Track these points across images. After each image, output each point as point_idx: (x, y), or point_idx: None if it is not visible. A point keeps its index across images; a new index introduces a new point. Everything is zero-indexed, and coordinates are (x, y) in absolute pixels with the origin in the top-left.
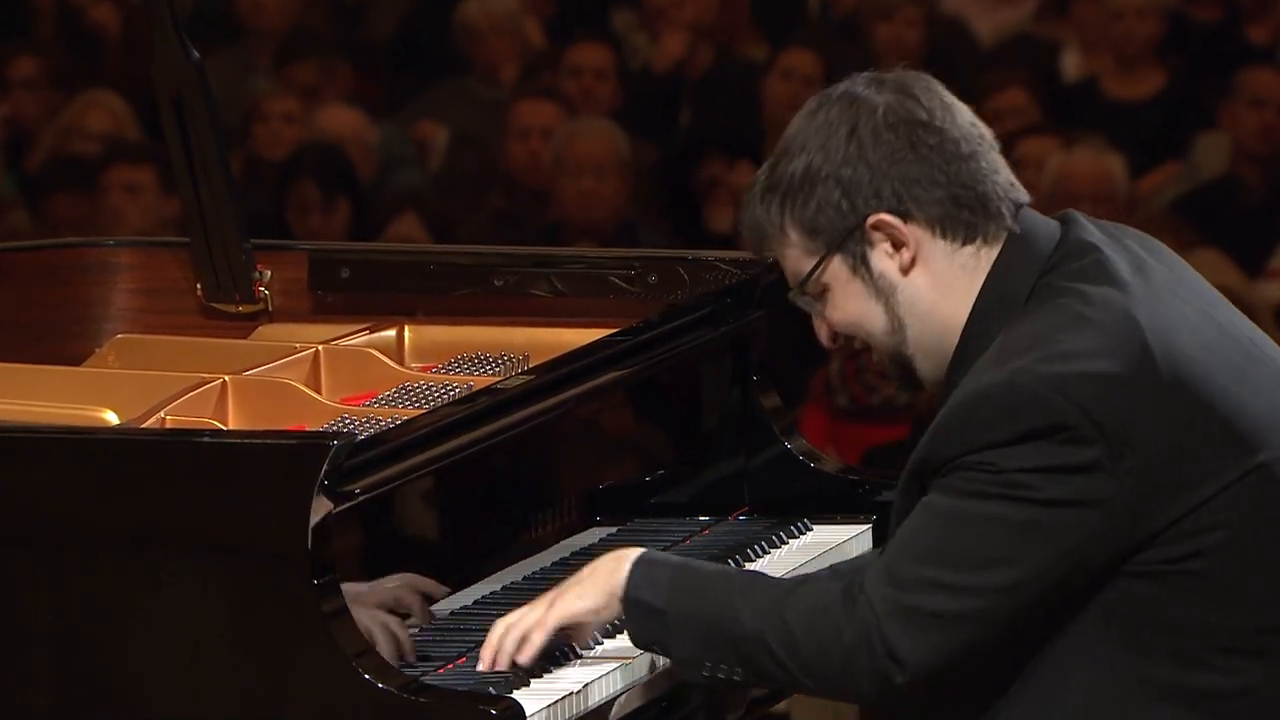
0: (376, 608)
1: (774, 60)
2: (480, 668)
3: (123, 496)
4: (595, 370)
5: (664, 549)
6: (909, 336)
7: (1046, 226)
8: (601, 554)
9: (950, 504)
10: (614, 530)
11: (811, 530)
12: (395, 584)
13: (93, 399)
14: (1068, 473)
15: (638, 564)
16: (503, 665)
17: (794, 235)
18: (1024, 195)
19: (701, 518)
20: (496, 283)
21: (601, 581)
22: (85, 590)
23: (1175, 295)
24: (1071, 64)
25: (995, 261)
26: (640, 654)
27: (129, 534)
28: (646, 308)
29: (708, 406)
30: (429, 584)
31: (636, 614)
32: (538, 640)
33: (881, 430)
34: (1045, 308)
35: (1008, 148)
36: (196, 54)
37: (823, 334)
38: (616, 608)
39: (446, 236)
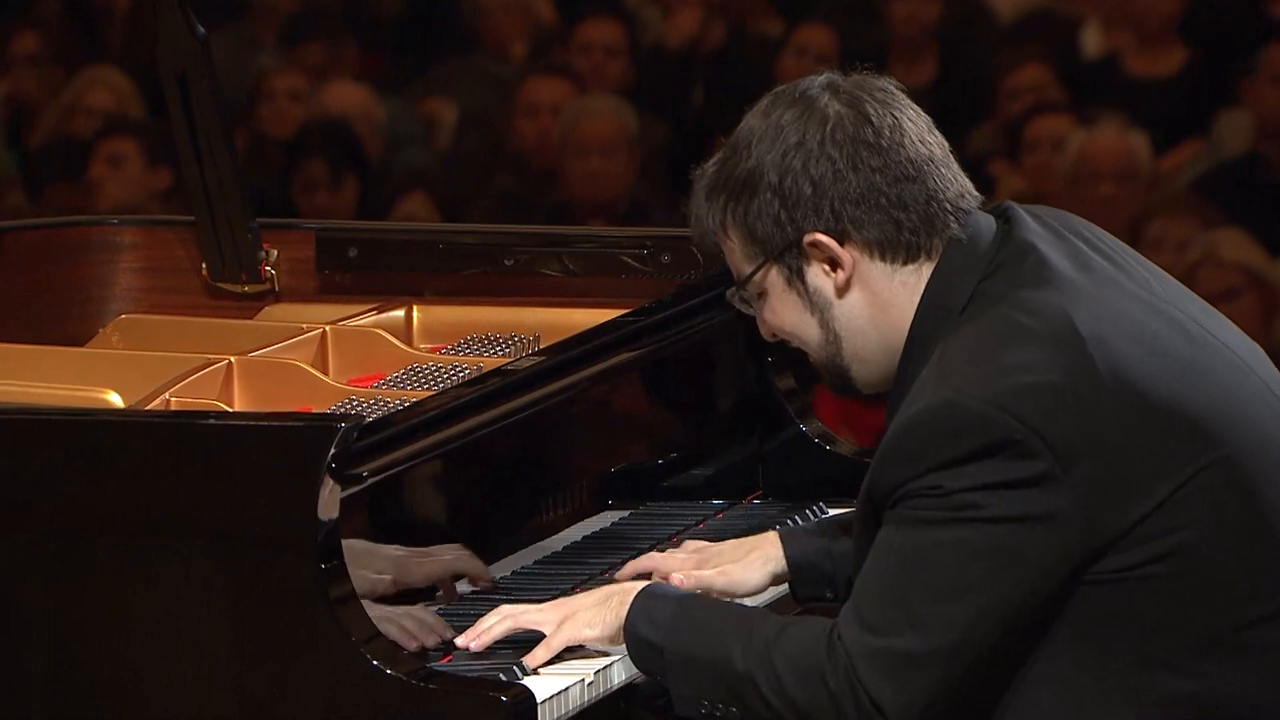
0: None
1: (788, 37)
2: (459, 641)
3: (126, 480)
4: (607, 351)
5: (677, 534)
6: (844, 349)
7: (988, 229)
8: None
9: (904, 537)
10: (626, 514)
11: (827, 514)
12: (444, 560)
13: (96, 380)
14: (1017, 488)
15: (639, 597)
16: (477, 647)
17: (734, 236)
18: (973, 201)
19: (715, 501)
20: (506, 262)
21: (613, 614)
22: (86, 576)
23: (1119, 289)
24: (1091, 40)
25: (934, 272)
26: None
27: (132, 518)
28: (659, 287)
29: (721, 388)
30: (475, 565)
31: (637, 648)
32: (540, 657)
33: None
34: (983, 317)
35: (1025, 125)
36: (201, 30)
37: (764, 331)
38: (620, 641)
39: (455, 215)
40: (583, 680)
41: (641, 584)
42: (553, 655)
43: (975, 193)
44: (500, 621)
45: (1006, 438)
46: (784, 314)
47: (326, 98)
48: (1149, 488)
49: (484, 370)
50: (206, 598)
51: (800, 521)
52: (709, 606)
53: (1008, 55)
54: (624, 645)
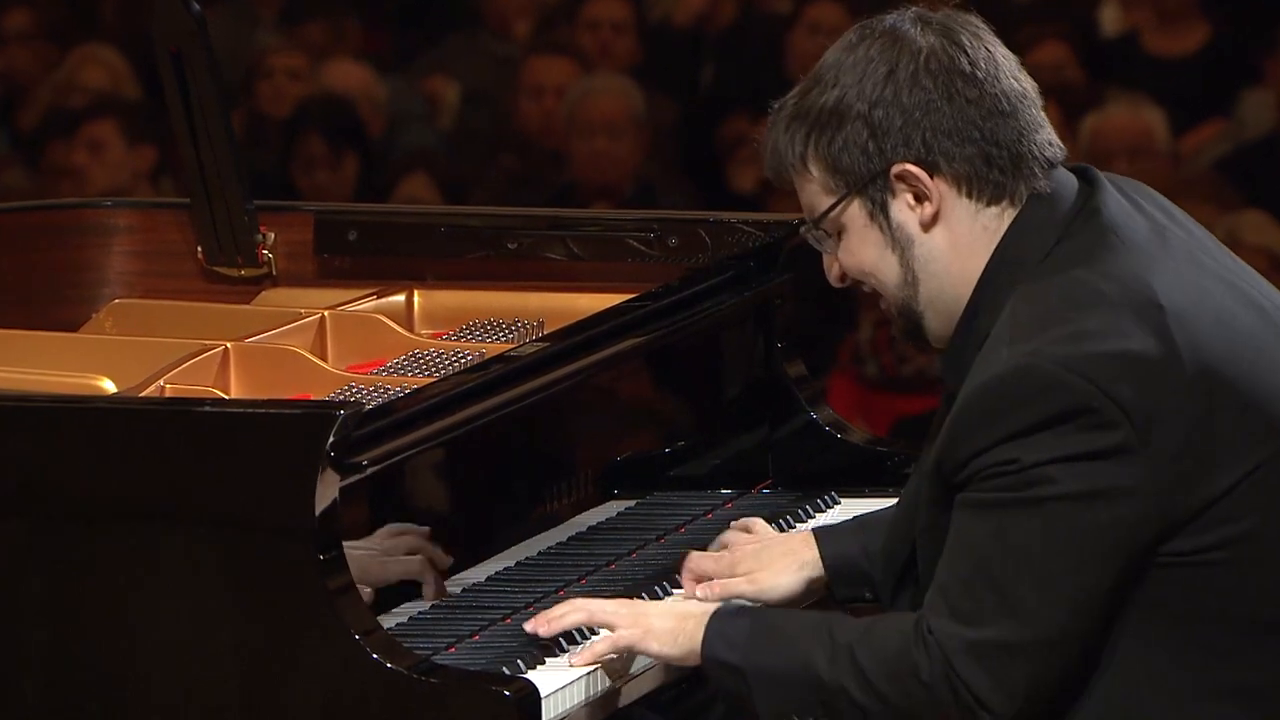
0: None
1: (800, 13)
2: (527, 627)
3: (120, 468)
4: (612, 337)
5: (684, 524)
6: (921, 293)
7: (1069, 188)
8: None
9: (986, 522)
10: (632, 504)
11: (839, 504)
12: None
13: (89, 366)
14: (1094, 459)
15: (713, 620)
16: (546, 633)
17: (814, 170)
18: (1060, 153)
19: (723, 491)
20: (510, 245)
21: (687, 635)
22: (80, 566)
23: (1197, 264)
24: (1111, 18)
25: (1013, 222)
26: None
27: (126, 508)
28: (666, 272)
29: (730, 375)
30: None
31: (717, 671)
32: (601, 651)
33: (913, 401)
34: (1059, 277)
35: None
36: (197, 6)
37: (832, 273)
38: (694, 663)
39: (458, 197)
40: (588, 675)
41: (714, 605)
42: (611, 653)
43: (1060, 144)
44: (573, 613)
45: (1084, 405)
46: (862, 252)
47: (327, 76)
48: (1220, 470)
49: (486, 356)
50: (203, 589)
51: (811, 512)
52: (784, 617)
53: (1026, 33)
54: (688, 665)
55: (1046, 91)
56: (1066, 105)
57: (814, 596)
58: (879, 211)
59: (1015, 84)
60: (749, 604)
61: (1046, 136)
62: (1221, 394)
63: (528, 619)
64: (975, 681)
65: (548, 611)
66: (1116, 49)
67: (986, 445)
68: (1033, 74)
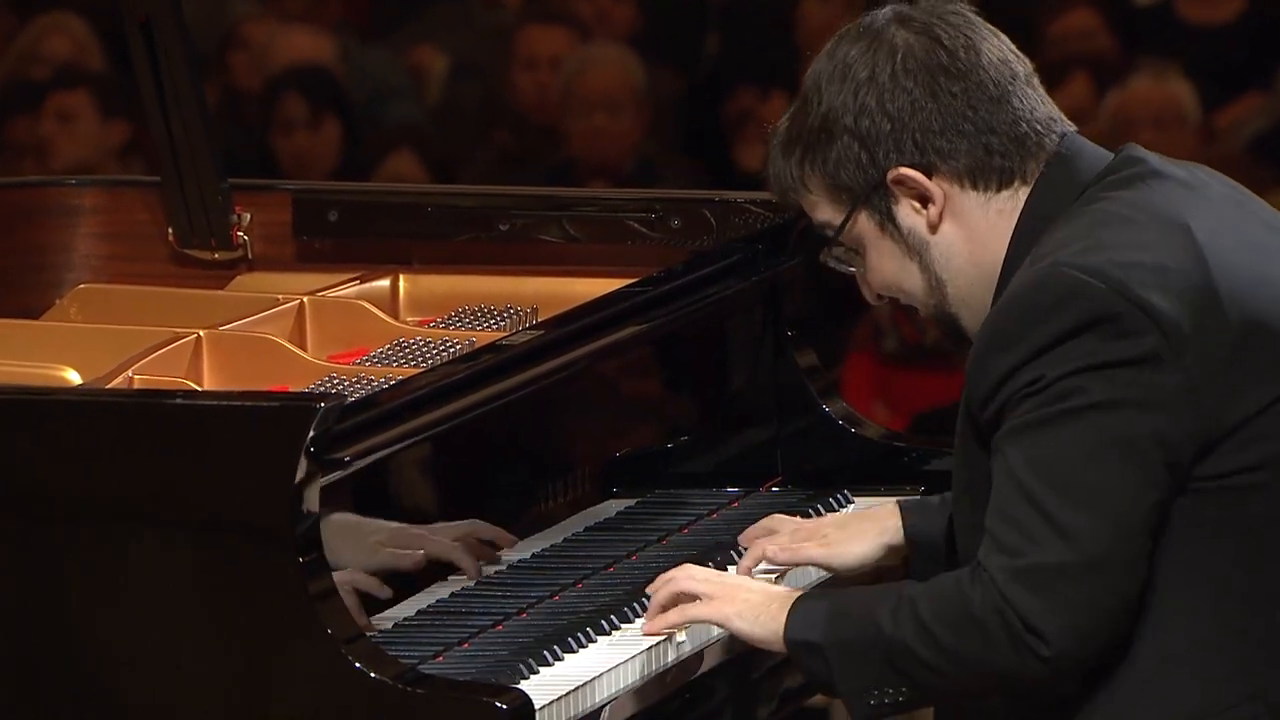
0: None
1: None
2: (645, 630)
3: (86, 465)
4: (611, 325)
5: (688, 524)
6: (949, 293)
7: (1094, 150)
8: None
9: (1020, 450)
10: (632, 503)
11: (853, 502)
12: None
13: (52, 356)
14: (1124, 367)
15: (796, 603)
16: (660, 629)
17: (817, 190)
18: (1068, 125)
19: (730, 489)
20: (501, 227)
21: (770, 616)
22: (46, 569)
23: (1236, 204)
24: None
25: (1031, 191)
26: (662, 640)
27: (92, 508)
28: (669, 255)
29: (736, 366)
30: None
31: (801, 655)
32: (673, 620)
33: (936, 378)
34: (1080, 213)
35: (1073, 74)
36: None
37: (865, 291)
38: (775, 647)
39: (446, 176)
40: (583, 687)
41: (799, 591)
42: (685, 624)
43: (1066, 120)
44: (664, 586)
45: (1108, 310)
46: (883, 265)
47: (305, 46)
48: (1254, 387)
49: (477, 345)
50: (175, 596)
51: (823, 510)
52: (860, 591)
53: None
54: (777, 649)
55: (1075, 61)
56: (1097, 75)
57: (889, 564)
58: (887, 221)
59: (1004, 68)
60: (828, 588)
61: (1047, 112)
62: (1256, 314)
63: (520, 625)
64: (1026, 607)
65: (650, 610)
66: (1149, 17)
67: (1010, 369)
68: (1060, 43)
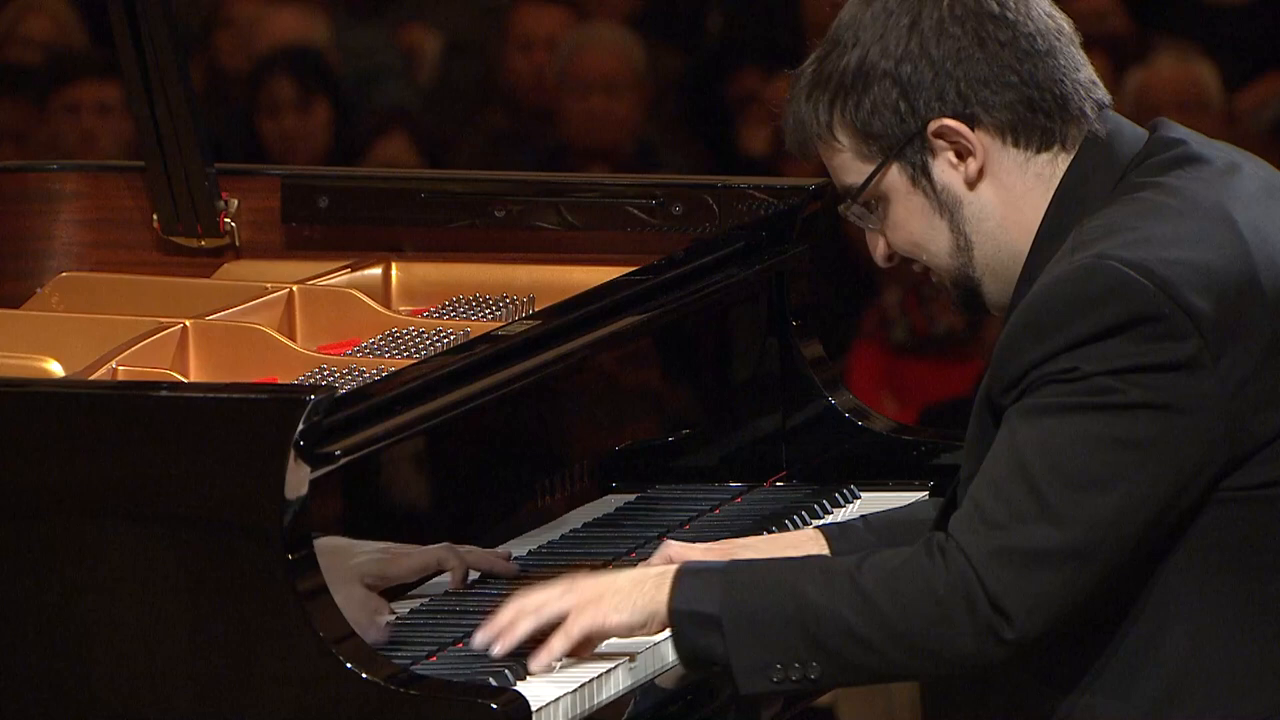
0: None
1: None
2: (476, 641)
3: (68, 460)
4: (610, 314)
5: (689, 520)
6: (975, 257)
7: (1132, 128)
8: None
9: (1033, 427)
10: (632, 498)
11: (859, 498)
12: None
13: (33, 347)
14: (1162, 371)
15: (682, 574)
16: (501, 651)
17: (844, 139)
18: (1106, 95)
19: (733, 484)
20: (497, 213)
21: (646, 596)
22: (25, 566)
23: (1272, 195)
24: None
25: (1070, 164)
26: (665, 638)
27: (74, 502)
28: (670, 242)
29: (740, 356)
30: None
31: (687, 626)
32: (557, 649)
33: (945, 367)
34: (1123, 200)
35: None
36: None
37: (879, 252)
38: (658, 625)
39: (439, 160)
40: (580, 686)
41: (676, 565)
42: (571, 646)
43: (1105, 90)
44: (520, 618)
45: (1154, 311)
46: (909, 222)
47: (293, 25)
48: None
49: (471, 336)
50: (160, 591)
51: (829, 507)
52: (763, 564)
53: None
54: (654, 633)
55: (1089, 42)
56: (1112, 56)
57: None
58: (920, 175)
59: (1050, 21)
60: (721, 563)
61: (1089, 75)
62: None
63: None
64: (998, 586)
65: (494, 621)
66: None
67: (1043, 356)
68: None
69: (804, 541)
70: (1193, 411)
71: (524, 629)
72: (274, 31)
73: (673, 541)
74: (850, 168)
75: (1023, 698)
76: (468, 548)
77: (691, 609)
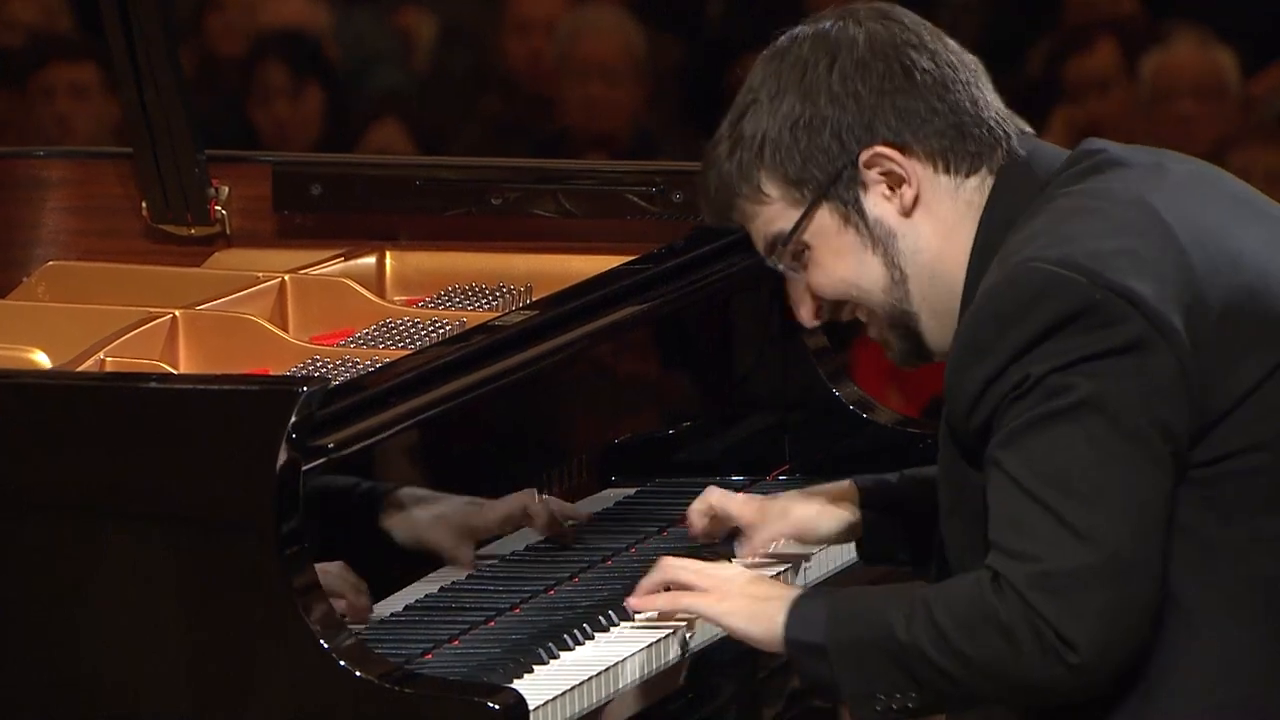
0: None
1: None
2: (631, 602)
3: (55, 453)
4: (610, 305)
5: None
6: (911, 290)
7: (1053, 148)
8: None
9: (1016, 454)
10: (631, 492)
11: None
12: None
13: (19, 337)
14: (1110, 356)
15: (795, 605)
16: (646, 608)
17: (773, 191)
18: (1025, 125)
19: (735, 478)
20: (493, 201)
21: (768, 618)
22: (12, 562)
23: (1201, 182)
24: None
25: (994, 187)
26: (666, 635)
27: (63, 496)
28: (670, 230)
29: (742, 347)
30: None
31: (799, 655)
32: (661, 603)
33: None
34: (1042, 210)
35: (1095, 42)
36: None
37: (804, 307)
38: (772, 648)
39: (434, 147)
40: (580, 687)
41: (798, 589)
42: (674, 610)
43: (1021, 120)
44: (658, 572)
45: (1087, 301)
46: (838, 264)
47: (286, 9)
48: (1240, 366)
49: (467, 326)
50: (150, 587)
51: None
52: (863, 591)
53: None
54: (775, 649)
55: (1100, 26)
56: (1124, 42)
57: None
58: (852, 211)
59: (965, 55)
60: (826, 592)
61: (1004, 109)
62: (1231, 292)
63: (513, 621)
64: (1053, 616)
65: (640, 586)
66: None
67: (991, 376)
68: (1083, 8)
69: (839, 495)
70: (1152, 391)
71: (663, 601)
72: (266, 15)
73: (714, 488)
74: (779, 217)
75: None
76: (548, 498)
77: (801, 639)
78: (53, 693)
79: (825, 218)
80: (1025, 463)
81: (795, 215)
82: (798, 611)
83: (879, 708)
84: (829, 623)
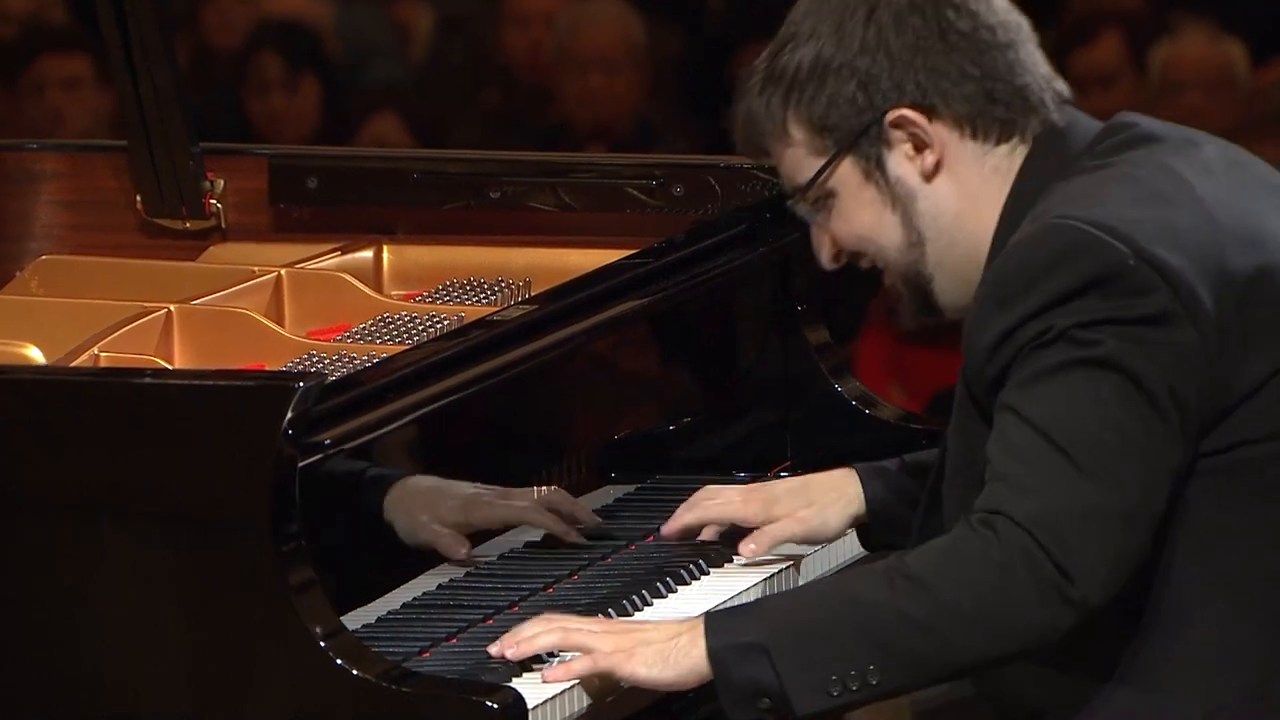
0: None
1: None
2: (493, 650)
3: (49, 449)
4: (609, 299)
5: None
6: (928, 253)
7: (1089, 120)
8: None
9: (1034, 396)
10: (631, 489)
11: None
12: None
13: (12, 332)
14: (1136, 324)
15: (711, 616)
16: (514, 656)
17: (798, 133)
18: (1066, 90)
19: (736, 474)
20: (492, 194)
21: (681, 651)
22: (6, 560)
23: (1234, 166)
24: None
25: (1027, 156)
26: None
27: (57, 494)
28: (670, 224)
29: (743, 343)
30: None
31: (730, 661)
32: (577, 670)
33: (955, 355)
34: (1079, 178)
35: (1101, 32)
36: None
37: (824, 252)
38: (697, 679)
39: (432, 140)
40: (579, 685)
41: (701, 615)
42: (585, 676)
43: (1064, 85)
44: (546, 633)
45: (1119, 266)
46: (858, 217)
47: (282, 1)
48: (1263, 349)
49: (466, 321)
50: (145, 585)
51: None
52: (798, 587)
53: None
54: (695, 682)
55: (1104, 18)
56: (1129, 33)
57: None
58: (874, 168)
59: (1010, 16)
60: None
61: (1048, 72)
62: (1259, 273)
63: (512, 619)
64: (1056, 549)
65: (516, 630)
66: None
67: (1013, 325)
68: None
69: (839, 480)
70: (1173, 363)
71: (544, 644)
72: (262, 7)
73: (705, 500)
74: (803, 163)
75: (1020, 692)
76: (554, 488)
77: (732, 642)
78: (52, 692)
79: (848, 170)
80: (1043, 405)
81: (818, 163)
82: (717, 624)
83: (835, 691)
84: (762, 616)
